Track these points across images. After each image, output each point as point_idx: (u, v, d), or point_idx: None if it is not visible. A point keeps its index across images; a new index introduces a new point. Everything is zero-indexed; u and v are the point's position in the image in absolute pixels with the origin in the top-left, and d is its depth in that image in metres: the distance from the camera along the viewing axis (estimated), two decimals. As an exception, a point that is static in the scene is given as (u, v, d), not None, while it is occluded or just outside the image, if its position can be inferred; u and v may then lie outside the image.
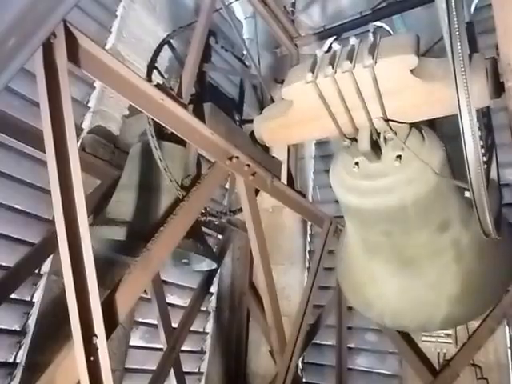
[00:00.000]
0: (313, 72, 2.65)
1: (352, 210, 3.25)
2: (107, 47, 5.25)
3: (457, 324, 4.40)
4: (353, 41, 2.66)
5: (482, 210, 2.60)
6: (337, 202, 3.48)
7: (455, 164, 2.88)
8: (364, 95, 2.65)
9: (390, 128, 2.75)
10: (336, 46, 2.70)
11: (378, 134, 2.85)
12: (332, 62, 2.59)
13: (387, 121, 2.74)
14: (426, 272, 3.34)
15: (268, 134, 3.39)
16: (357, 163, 3.03)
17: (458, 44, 2.05)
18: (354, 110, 2.76)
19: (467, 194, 2.60)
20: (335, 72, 2.57)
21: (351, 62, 2.50)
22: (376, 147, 2.87)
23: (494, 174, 2.99)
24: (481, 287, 3.35)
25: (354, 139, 2.93)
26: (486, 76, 2.41)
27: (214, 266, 4.59)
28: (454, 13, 1.99)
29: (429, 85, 2.55)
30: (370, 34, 2.60)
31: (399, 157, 2.83)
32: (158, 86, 3.11)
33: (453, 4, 1.98)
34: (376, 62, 2.46)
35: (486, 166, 2.46)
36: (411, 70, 2.51)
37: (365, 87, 2.60)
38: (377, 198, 2.92)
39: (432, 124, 3.36)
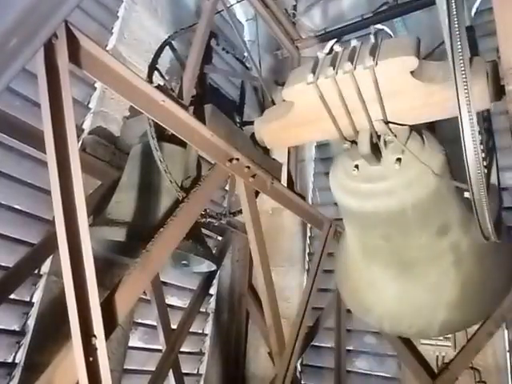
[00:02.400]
0: (314, 73, 2.67)
1: (351, 213, 3.25)
2: (108, 48, 5.25)
3: (455, 330, 4.38)
4: (354, 43, 2.67)
5: (482, 213, 2.59)
6: (336, 204, 3.47)
7: (455, 168, 2.88)
8: (364, 97, 2.66)
9: (390, 130, 2.75)
10: (337, 48, 2.71)
11: (378, 137, 2.86)
12: (333, 64, 2.61)
13: (387, 123, 2.74)
14: (425, 277, 3.31)
15: (268, 135, 3.40)
16: (356, 166, 3.04)
17: (459, 46, 2.05)
18: (354, 112, 2.77)
19: (467, 194, 2.58)
20: (336, 73, 2.58)
21: (352, 64, 2.52)
22: (376, 150, 2.88)
23: (494, 178, 2.99)
24: (480, 293, 3.31)
25: (354, 142, 2.94)
26: (487, 78, 2.41)
27: (214, 267, 4.59)
28: (455, 14, 1.99)
29: (428, 87, 2.56)
30: (372, 36, 2.61)
31: (399, 160, 2.83)
32: (158, 87, 3.12)
33: (453, 5, 1.98)
34: (377, 64, 2.47)
35: (486, 169, 2.45)
36: (411, 72, 2.52)
37: (365, 89, 2.61)
38: (376, 201, 2.93)
39: (432, 127, 3.36)
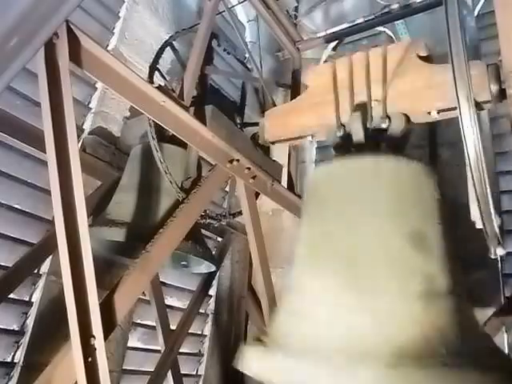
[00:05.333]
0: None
1: (317, 184, 2.80)
2: (109, 48, 5.25)
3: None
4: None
5: (485, 202, 2.45)
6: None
7: (454, 174, 2.84)
8: (372, 76, 2.76)
9: (386, 114, 2.73)
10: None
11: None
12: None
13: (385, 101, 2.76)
14: (380, 296, 2.28)
15: (270, 122, 3.44)
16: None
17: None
18: (358, 95, 2.83)
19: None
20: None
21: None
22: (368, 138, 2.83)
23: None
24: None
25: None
26: (487, 69, 2.43)
27: (213, 268, 4.58)
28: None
29: (431, 67, 2.67)
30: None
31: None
32: (159, 87, 3.11)
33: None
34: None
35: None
36: (419, 57, 2.63)
37: (374, 67, 2.74)
38: (349, 161, 2.64)
39: (432, 130, 3.35)
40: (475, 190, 2.41)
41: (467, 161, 2.33)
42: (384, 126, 2.76)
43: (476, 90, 2.27)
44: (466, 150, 2.31)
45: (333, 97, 2.85)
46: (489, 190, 2.38)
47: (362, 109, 2.81)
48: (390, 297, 2.28)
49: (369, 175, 2.51)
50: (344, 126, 2.90)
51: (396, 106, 2.73)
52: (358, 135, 2.78)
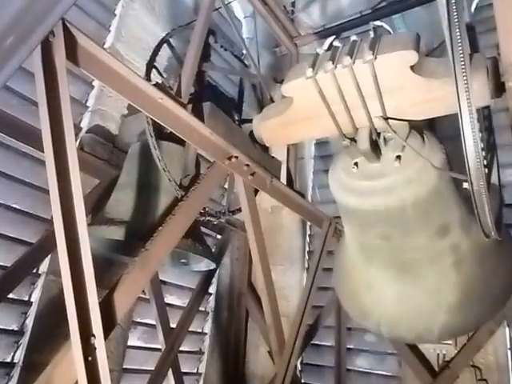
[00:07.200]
0: (313, 68, 2.66)
1: (350, 211, 3.21)
2: (106, 46, 5.23)
3: (455, 335, 4.34)
4: (354, 38, 2.65)
5: (482, 208, 2.57)
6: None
7: (456, 165, 2.85)
8: (364, 93, 2.65)
9: (390, 126, 2.72)
10: (337, 43, 2.69)
11: (378, 134, 2.85)
12: (333, 59, 2.59)
13: (387, 119, 2.73)
14: (425, 278, 3.23)
15: (267, 133, 3.39)
16: (356, 164, 3.03)
17: (459, 39, 2.03)
18: (353, 108, 2.76)
19: (466, 185, 2.53)
20: (335, 68, 2.56)
21: (351, 58, 2.51)
22: (376, 147, 2.88)
23: (494, 178, 2.95)
24: (481, 295, 3.22)
25: (354, 139, 2.93)
26: (487, 74, 2.39)
27: (213, 266, 4.57)
28: (455, 9, 1.97)
29: (428, 82, 2.55)
30: (371, 32, 2.60)
31: (399, 157, 2.82)
32: (157, 85, 3.10)
33: (453, 0, 1.96)
34: (376, 58, 2.46)
35: (486, 167, 2.42)
36: (411, 67, 2.51)
37: (365, 84, 2.61)
38: (375, 199, 2.90)
39: (431, 125, 3.34)
40: (471, 185, 2.44)
41: (465, 158, 2.35)
42: (391, 137, 2.80)
43: (477, 98, 2.26)
44: (464, 146, 2.31)
45: (326, 111, 2.80)
46: (484, 187, 2.40)
47: (364, 123, 2.83)
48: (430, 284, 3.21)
49: (395, 206, 2.92)
50: (350, 139, 2.96)
51: (397, 117, 2.73)
52: (364, 146, 2.83)
